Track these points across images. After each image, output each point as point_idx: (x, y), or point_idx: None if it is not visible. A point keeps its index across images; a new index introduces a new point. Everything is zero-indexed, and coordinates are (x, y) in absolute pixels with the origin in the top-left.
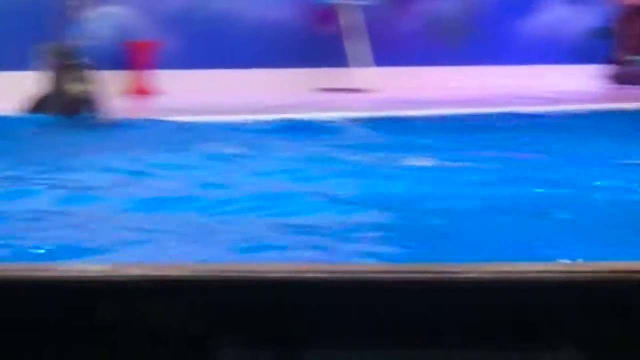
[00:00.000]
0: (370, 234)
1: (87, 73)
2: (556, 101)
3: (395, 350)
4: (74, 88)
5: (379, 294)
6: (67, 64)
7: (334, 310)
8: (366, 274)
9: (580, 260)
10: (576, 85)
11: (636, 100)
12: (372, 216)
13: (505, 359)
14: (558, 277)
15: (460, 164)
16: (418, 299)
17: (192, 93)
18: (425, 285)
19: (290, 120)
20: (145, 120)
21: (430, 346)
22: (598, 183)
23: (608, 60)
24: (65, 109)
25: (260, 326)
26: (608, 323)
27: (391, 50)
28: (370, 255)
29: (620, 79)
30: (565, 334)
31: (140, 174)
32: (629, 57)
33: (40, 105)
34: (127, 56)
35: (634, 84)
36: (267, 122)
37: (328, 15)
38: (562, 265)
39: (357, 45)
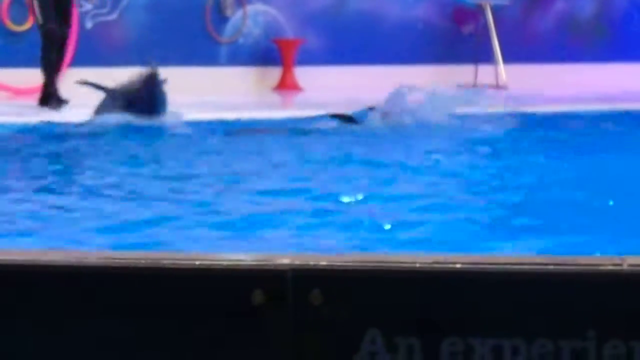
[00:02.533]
0: None
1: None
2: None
3: (532, 340)
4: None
5: (517, 284)
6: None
7: (474, 299)
8: (504, 265)
9: None
10: None
11: None
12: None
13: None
14: None
15: None
16: (556, 289)
17: (334, 88)
18: (564, 277)
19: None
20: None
21: (570, 336)
22: None
23: None
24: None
25: (406, 315)
26: None
27: (525, 48)
28: None
29: None
30: None
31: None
32: None
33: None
34: (276, 53)
35: None
36: None
37: (470, 14)
38: None
39: (494, 43)
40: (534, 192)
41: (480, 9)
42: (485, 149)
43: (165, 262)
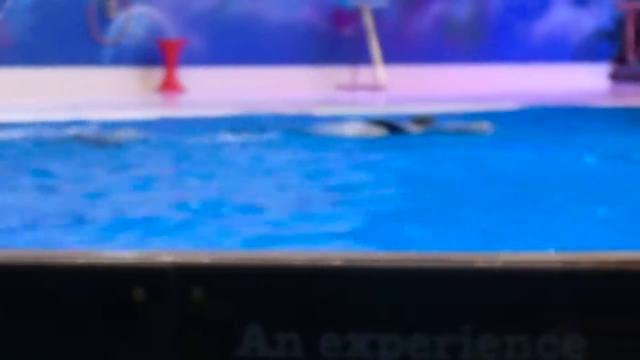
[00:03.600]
0: None
1: None
2: (563, 99)
3: (409, 335)
4: None
5: (394, 280)
6: None
7: (352, 296)
8: (381, 262)
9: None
10: (583, 84)
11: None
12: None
13: (513, 344)
14: (561, 267)
15: None
16: (432, 285)
17: (217, 89)
18: (439, 273)
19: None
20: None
21: (445, 331)
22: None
23: (615, 60)
24: None
25: (284, 311)
26: (612, 312)
27: (403, 50)
28: None
29: (624, 78)
30: (571, 321)
31: None
32: (634, 58)
33: None
34: (159, 54)
35: (636, 81)
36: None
37: (349, 16)
38: (565, 254)
39: (373, 45)
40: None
41: (359, 12)
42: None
43: (45, 259)
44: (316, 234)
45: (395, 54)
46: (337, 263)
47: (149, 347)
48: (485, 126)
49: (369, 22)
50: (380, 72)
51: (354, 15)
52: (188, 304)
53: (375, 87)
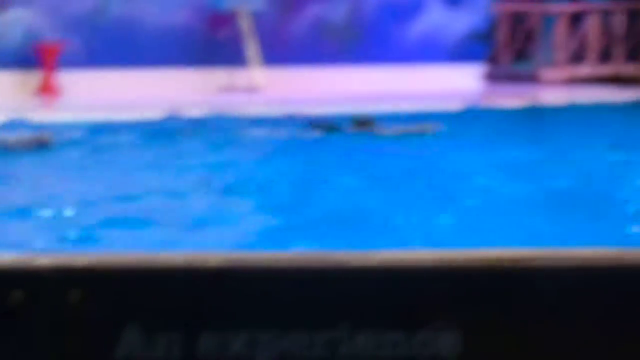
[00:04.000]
0: None
1: None
2: (438, 99)
3: (287, 333)
4: None
5: (272, 280)
6: None
7: (230, 296)
8: (259, 262)
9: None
10: (457, 84)
11: (512, 97)
12: None
13: (390, 341)
14: (436, 265)
15: None
16: (309, 284)
17: (96, 92)
18: (316, 273)
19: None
20: None
21: (323, 328)
22: None
23: (488, 61)
24: None
25: (163, 311)
26: (486, 309)
27: (281, 52)
28: None
29: (498, 78)
30: (446, 317)
31: None
32: (507, 58)
33: None
34: (36, 57)
35: (510, 81)
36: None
37: (225, 20)
38: (441, 253)
39: (252, 47)
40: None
41: (236, 15)
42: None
43: None
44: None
45: (273, 56)
46: (215, 264)
47: (27, 349)
48: (430, 127)
49: (245, 25)
50: (258, 74)
51: (231, 18)
52: (66, 307)
53: (253, 89)
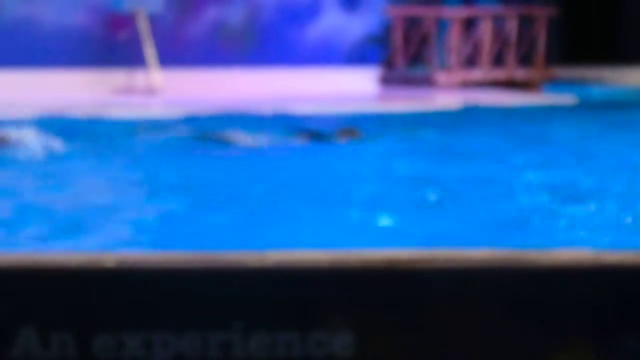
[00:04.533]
0: None
1: None
2: (335, 102)
3: (181, 333)
4: None
5: (166, 280)
6: None
7: (125, 296)
8: (153, 263)
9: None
10: (354, 87)
11: (407, 100)
12: None
13: (284, 340)
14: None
15: None
16: (203, 284)
17: None
18: (211, 273)
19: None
20: None
21: (217, 329)
22: None
23: (384, 64)
24: None
25: (57, 312)
26: (379, 309)
27: (179, 54)
28: None
29: (393, 81)
30: (340, 319)
31: None
32: (402, 62)
33: None
34: None
35: (404, 85)
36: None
37: (124, 21)
38: (335, 253)
39: (149, 49)
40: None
41: (134, 16)
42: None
43: None
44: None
45: (171, 57)
46: (110, 264)
47: None
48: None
49: (143, 26)
50: (156, 76)
51: (129, 20)
52: None
53: (151, 91)
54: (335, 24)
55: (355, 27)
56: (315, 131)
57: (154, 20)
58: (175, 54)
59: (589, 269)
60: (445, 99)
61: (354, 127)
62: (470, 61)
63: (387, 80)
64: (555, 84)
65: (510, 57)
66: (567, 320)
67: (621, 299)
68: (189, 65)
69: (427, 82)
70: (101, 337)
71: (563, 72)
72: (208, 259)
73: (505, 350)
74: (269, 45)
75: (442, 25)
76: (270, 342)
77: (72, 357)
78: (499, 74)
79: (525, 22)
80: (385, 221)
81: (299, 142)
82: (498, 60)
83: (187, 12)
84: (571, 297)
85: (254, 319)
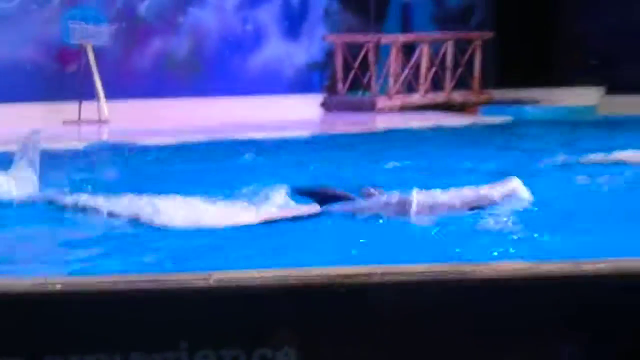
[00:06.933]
0: None
1: None
2: (281, 128)
3: (127, 354)
4: None
5: (111, 303)
6: None
7: (71, 319)
8: (98, 286)
9: (297, 268)
10: (296, 114)
11: (350, 125)
12: None
13: (229, 358)
14: (275, 283)
15: None
16: (148, 305)
17: None
18: (154, 294)
19: None
20: None
21: (164, 348)
22: None
23: (324, 91)
24: None
25: (6, 336)
26: (322, 324)
27: (125, 85)
28: None
29: (336, 107)
30: (284, 334)
31: None
32: (343, 88)
33: None
34: None
35: (347, 110)
36: None
37: (73, 54)
38: (275, 272)
39: (97, 81)
40: None
41: (82, 49)
42: None
43: None
44: None
45: (119, 89)
46: (56, 288)
47: None
48: None
49: (91, 59)
50: (104, 107)
51: (78, 53)
52: None
53: (100, 121)
54: (278, 52)
55: (297, 55)
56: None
57: (101, 52)
58: (122, 85)
59: (524, 280)
60: (385, 121)
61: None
62: (410, 85)
63: (329, 106)
64: (494, 105)
65: (448, 81)
66: (504, 330)
67: (556, 308)
68: (136, 96)
69: (367, 107)
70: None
71: (498, 94)
72: (153, 279)
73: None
74: (213, 75)
75: (381, 51)
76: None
77: None
78: (438, 97)
79: (462, 47)
80: None
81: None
82: (436, 84)
83: (133, 44)
84: (507, 307)
85: (199, 338)
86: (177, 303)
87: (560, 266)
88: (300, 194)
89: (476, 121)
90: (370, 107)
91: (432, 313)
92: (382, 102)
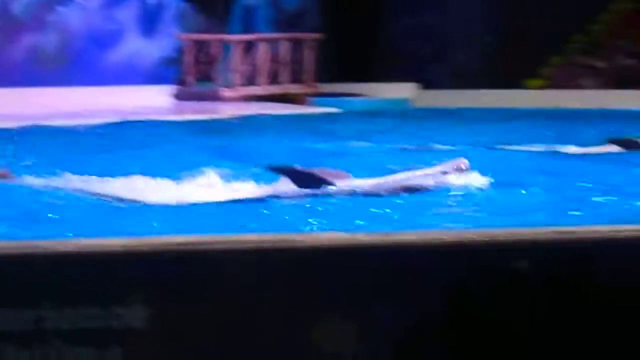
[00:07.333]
0: None
1: None
2: (135, 114)
3: None
4: None
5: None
6: None
7: None
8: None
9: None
10: (151, 102)
11: (197, 112)
12: None
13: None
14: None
15: None
16: (15, 268)
17: None
18: (23, 259)
19: None
20: None
21: (29, 306)
22: None
23: (176, 82)
24: None
25: None
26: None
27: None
28: None
29: (186, 97)
30: (137, 294)
31: None
32: (192, 80)
33: None
34: None
35: (195, 100)
36: None
37: None
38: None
39: None
40: None
41: None
42: None
43: None
44: None
45: None
46: None
47: None
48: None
49: None
50: None
51: None
52: None
53: None
54: (136, 48)
55: (153, 50)
56: None
57: None
58: None
59: (344, 249)
60: (229, 110)
61: None
62: (251, 79)
63: (180, 97)
64: (324, 97)
65: (284, 75)
66: (326, 296)
67: (373, 275)
68: (7, 86)
69: (214, 97)
70: None
71: (330, 87)
72: (20, 246)
73: (266, 322)
74: (79, 67)
75: (226, 48)
76: (76, 317)
77: None
78: (275, 89)
79: (297, 45)
80: None
81: None
82: (274, 78)
83: (5, 38)
84: (329, 275)
85: (62, 297)
86: (43, 266)
87: (372, 237)
88: (273, 171)
89: (304, 111)
90: (217, 98)
91: (265, 279)
92: (226, 93)
